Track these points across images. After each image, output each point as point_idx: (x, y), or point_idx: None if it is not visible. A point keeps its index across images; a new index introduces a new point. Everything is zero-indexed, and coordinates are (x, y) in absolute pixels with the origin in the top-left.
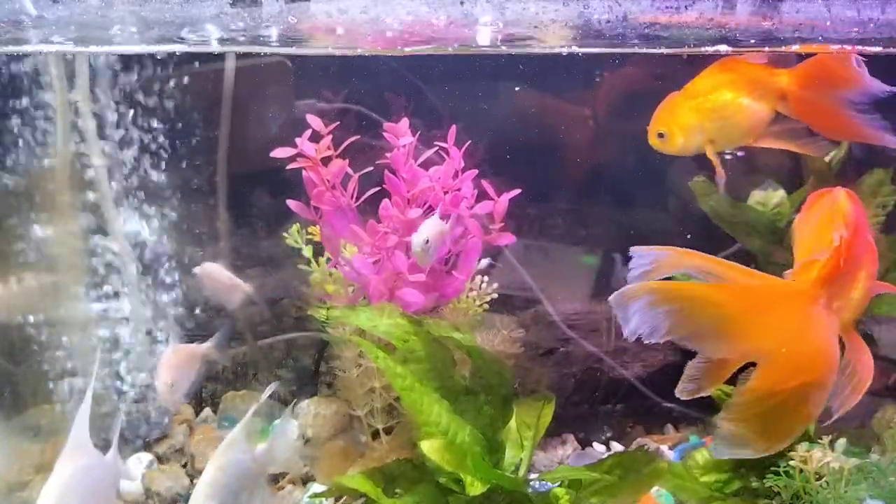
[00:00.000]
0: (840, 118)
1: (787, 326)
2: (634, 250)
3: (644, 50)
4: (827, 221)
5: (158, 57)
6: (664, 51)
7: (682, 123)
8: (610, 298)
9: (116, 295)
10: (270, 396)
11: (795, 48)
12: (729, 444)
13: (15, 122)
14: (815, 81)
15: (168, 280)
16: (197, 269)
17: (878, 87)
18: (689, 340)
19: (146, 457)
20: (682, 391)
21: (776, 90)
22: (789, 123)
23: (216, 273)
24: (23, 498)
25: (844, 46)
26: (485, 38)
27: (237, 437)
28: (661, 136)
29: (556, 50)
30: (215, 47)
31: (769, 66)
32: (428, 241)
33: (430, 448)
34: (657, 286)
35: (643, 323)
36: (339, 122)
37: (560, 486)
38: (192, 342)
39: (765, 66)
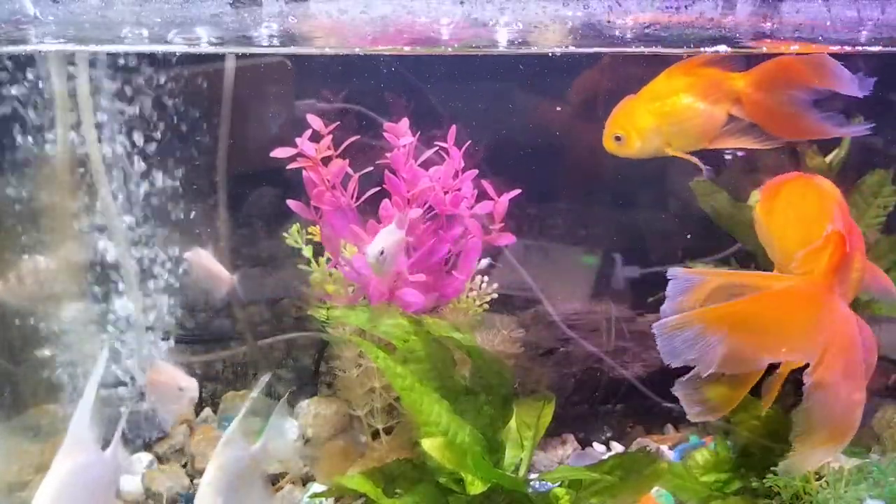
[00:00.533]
0: (794, 119)
1: (817, 322)
2: (672, 272)
3: (644, 50)
4: (817, 209)
5: (158, 56)
6: (665, 51)
7: (639, 127)
8: (654, 327)
9: (116, 294)
10: (269, 395)
11: (796, 48)
12: (807, 463)
13: (14, 121)
14: (769, 84)
15: (167, 279)
16: (188, 254)
17: (856, 88)
18: (738, 362)
19: (146, 457)
20: (694, 416)
21: (731, 93)
22: (740, 122)
23: (205, 260)
24: (23, 498)
25: (844, 47)
26: (485, 37)
27: (234, 434)
28: (618, 139)
29: (557, 50)
30: (215, 48)
31: (724, 68)
32: (383, 251)
33: (431, 446)
34: (705, 314)
35: (695, 353)
36: (339, 122)
37: (560, 486)
38: (191, 342)
39: (720, 68)
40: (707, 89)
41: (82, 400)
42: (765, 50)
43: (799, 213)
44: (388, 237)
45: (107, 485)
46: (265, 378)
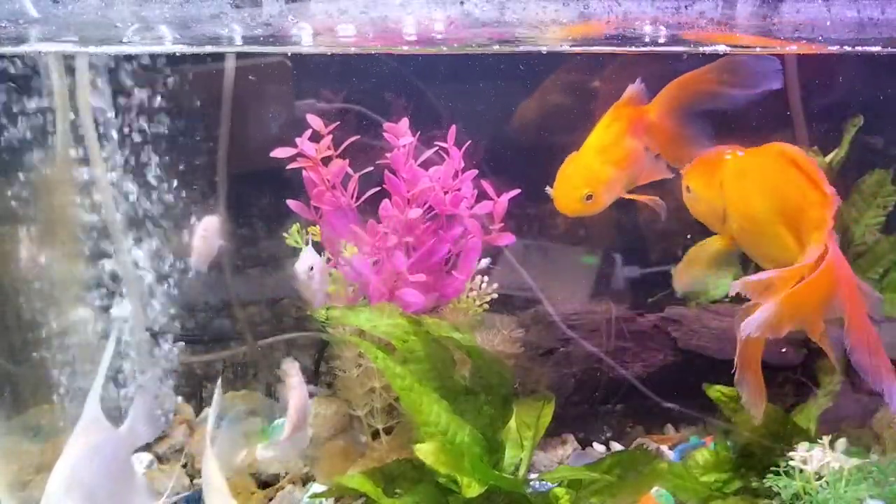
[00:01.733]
0: (688, 143)
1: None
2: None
3: (644, 49)
4: (787, 175)
5: (158, 56)
6: (664, 50)
7: (604, 180)
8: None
9: (117, 294)
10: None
11: (793, 50)
12: None
13: (13, 121)
14: (671, 109)
15: (167, 279)
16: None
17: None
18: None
19: (146, 457)
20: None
21: (645, 125)
22: (650, 154)
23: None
24: (23, 498)
25: (844, 46)
26: (484, 37)
27: (213, 432)
28: (589, 198)
29: (556, 50)
30: (215, 48)
31: (638, 103)
32: (312, 267)
33: (424, 451)
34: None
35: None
36: (339, 122)
37: (560, 486)
38: (191, 343)
39: (635, 105)
40: (634, 127)
41: (94, 383)
42: (758, 50)
43: (771, 182)
44: (311, 255)
45: (122, 461)
46: (219, 384)
